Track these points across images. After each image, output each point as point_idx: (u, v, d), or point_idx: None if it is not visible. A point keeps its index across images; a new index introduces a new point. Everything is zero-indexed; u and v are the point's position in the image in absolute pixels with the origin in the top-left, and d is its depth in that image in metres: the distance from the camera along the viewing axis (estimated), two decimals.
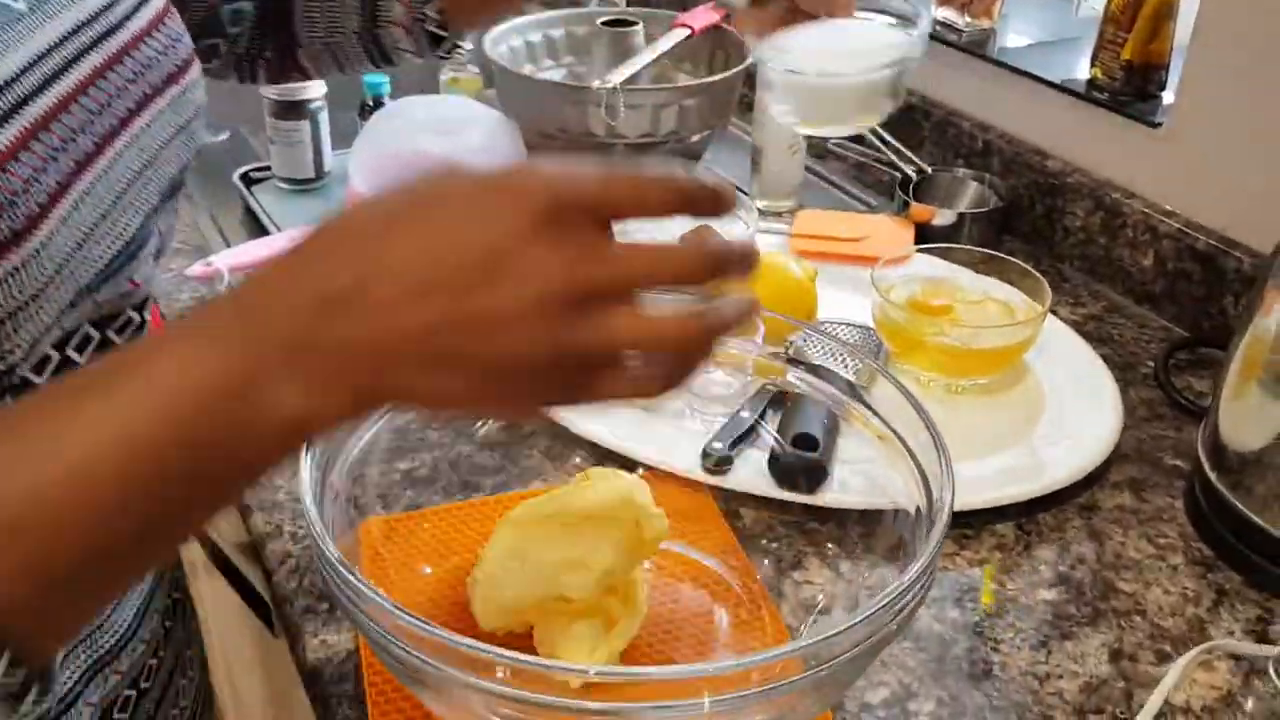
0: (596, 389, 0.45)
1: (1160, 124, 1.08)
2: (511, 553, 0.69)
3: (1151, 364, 1.02)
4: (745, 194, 1.32)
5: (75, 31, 0.53)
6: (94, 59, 0.54)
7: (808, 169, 1.34)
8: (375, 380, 0.43)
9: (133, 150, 0.56)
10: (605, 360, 0.45)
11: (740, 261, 0.48)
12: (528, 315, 0.42)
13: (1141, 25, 1.12)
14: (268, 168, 1.33)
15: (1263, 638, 0.74)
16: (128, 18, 0.57)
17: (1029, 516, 0.83)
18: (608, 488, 0.70)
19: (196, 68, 0.64)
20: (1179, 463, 0.89)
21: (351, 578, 0.55)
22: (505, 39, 1.36)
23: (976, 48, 1.29)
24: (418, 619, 0.53)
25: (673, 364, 0.47)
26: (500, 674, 0.52)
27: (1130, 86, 1.13)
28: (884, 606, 0.55)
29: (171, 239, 0.66)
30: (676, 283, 0.46)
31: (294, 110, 1.26)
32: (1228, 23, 1.00)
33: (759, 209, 1.30)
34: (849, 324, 1.01)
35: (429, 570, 0.74)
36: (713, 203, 0.47)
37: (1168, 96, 1.12)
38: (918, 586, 0.57)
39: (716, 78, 1.26)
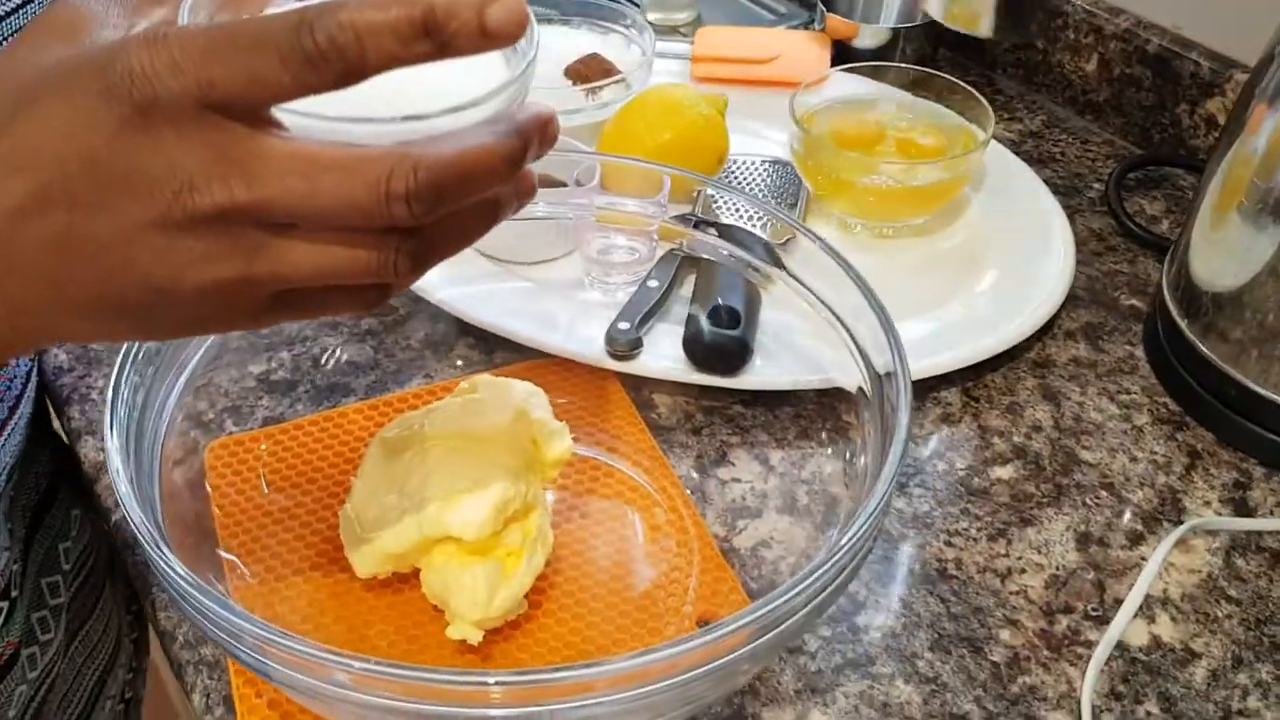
0: (298, 311, 0.38)
1: None
2: (386, 483, 0.58)
3: (1098, 185, 0.92)
4: (636, 4, 1.17)
5: None
6: None
7: None
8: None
9: None
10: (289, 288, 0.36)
11: (533, 149, 0.37)
12: (136, 241, 0.34)
13: None
14: None
15: (1241, 507, 0.66)
16: None
17: (976, 379, 0.74)
18: (497, 400, 0.59)
19: None
20: (1136, 302, 0.80)
21: (175, 574, 0.44)
22: None
23: None
24: (262, 626, 0.42)
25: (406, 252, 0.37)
26: (374, 686, 0.41)
27: None
28: (835, 559, 0.45)
29: None
30: (375, 218, 0.35)
31: None
32: None
33: (651, 23, 1.15)
34: (764, 158, 0.89)
35: (291, 504, 0.63)
36: (478, 33, 0.33)
37: None
38: (874, 515, 0.48)
39: None
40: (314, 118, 0.35)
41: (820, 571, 0.45)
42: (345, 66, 0.32)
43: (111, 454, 0.51)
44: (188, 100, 0.32)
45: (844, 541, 0.46)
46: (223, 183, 0.33)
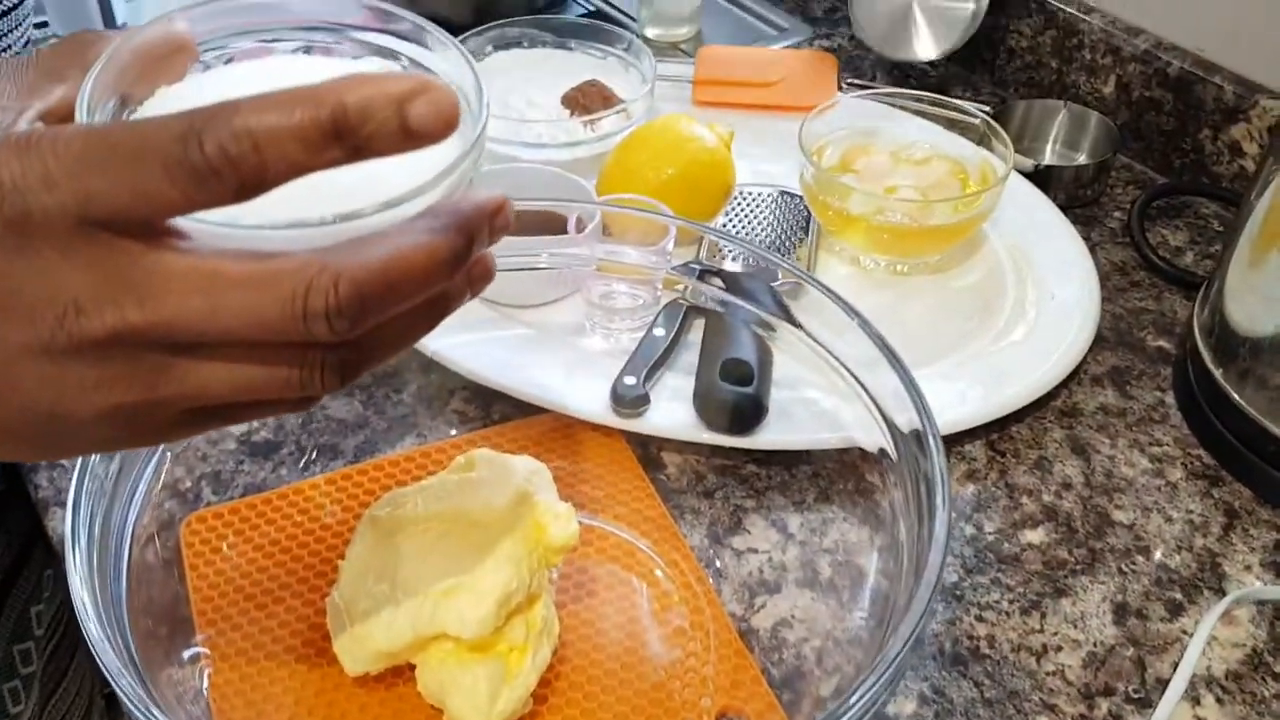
0: (215, 424, 0.34)
1: None
2: (377, 569, 0.53)
3: (1119, 215, 0.88)
4: (632, 20, 1.13)
5: None
6: None
7: None
8: None
9: None
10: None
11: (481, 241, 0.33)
12: (18, 368, 0.30)
13: None
14: (45, 24, 1.09)
15: None
16: None
17: (1001, 431, 0.70)
18: (497, 480, 0.55)
19: None
20: (1164, 343, 0.76)
21: (135, 706, 0.40)
22: None
23: None
24: None
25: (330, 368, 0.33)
26: None
27: None
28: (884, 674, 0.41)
29: None
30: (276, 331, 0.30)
31: None
32: None
33: (650, 37, 1.11)
34: (773, 188, 0.85)
35: (275, 585, 0.59)
36: (399, 134, 0.29)
37: None
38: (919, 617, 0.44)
39: None
40: (211, 229, 0.31)
41: (869, 689, 0.41)
42: (240, 181, 0.28)
43: (71, 549, 0.47)
44: (66, 216, 0.28)
45: (893, 654, 0.42)
46: (113, 305, 0.29)
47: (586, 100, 0.87)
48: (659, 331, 0.71)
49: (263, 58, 0.39)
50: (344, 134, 0.28)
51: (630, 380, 0.67)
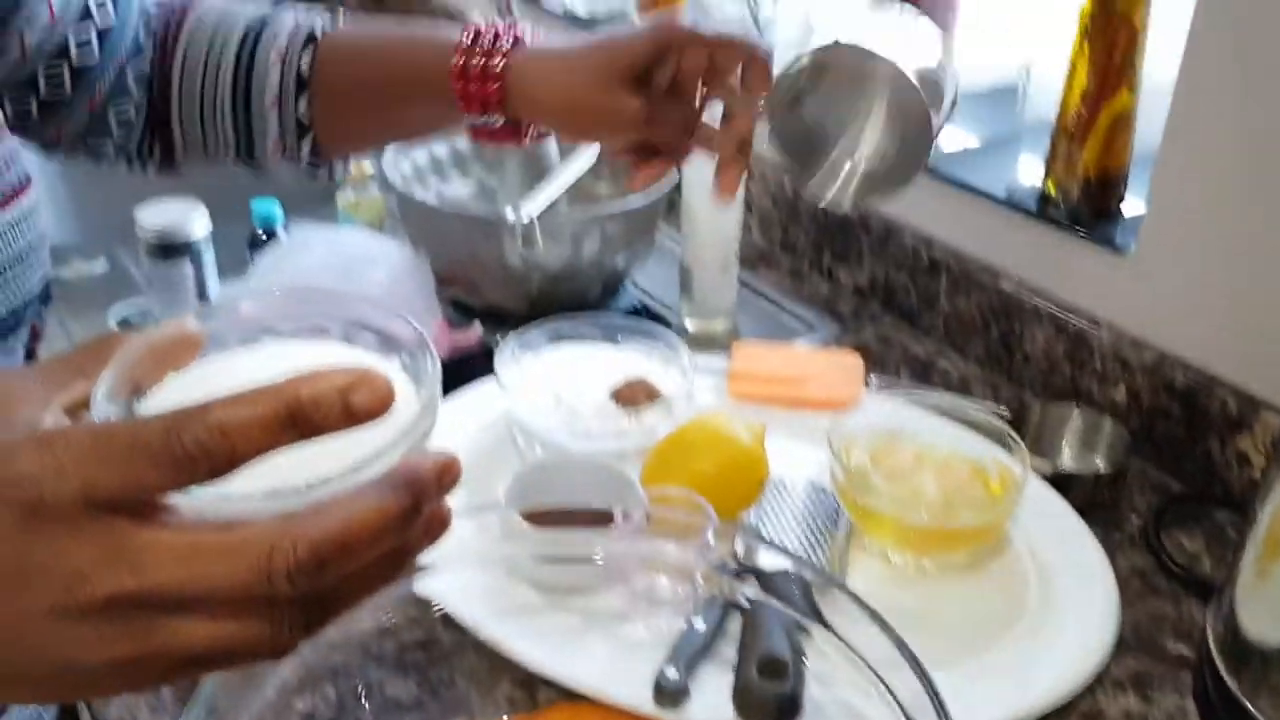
0: (202, 669, 0.38)
1: (1126, 248, 1.00)
2: None
3: (1135, 519, 0.92)
4: (674, 313, 1.22)
5: None
6: None
7: (740, 282, 1.23)
8: None
9: None
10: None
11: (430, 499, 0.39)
12: (36, 627, 0.36)
13: (1097, 136, 1.03)
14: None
15: None
16: None
17: None
18: None
19: (17, 207, 0.68)
20: (1184, 649, 0.80)
21: None
22: (406, 154, 1.24)
23: None
24: None
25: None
26: None
27: (1088, 203, 1.05)
28: None
29: None
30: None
31: (174, 251, 1.12)
32: (1201, 133, 0.91)
33: (689, 329, 1.20)
34: (805, 482, 0.91)
35: None
36: (343, 416, 0.36)
37: (1130, 211, 1.04)
38: None
39: (641, 203, 1.14)
40: (206, 498, 0.37)
41: None
42: (213, 465, 0.35)
43: None
44: (75, 500, 0.35)
45: None
46: (112, 573, 0.35)
47: (632, 395, 0.94)
48: (699, 625, 0.74)
49: (261, 339, 0.47)
50: (299, 421, 0.35)
51: (672, 672, 0.71)
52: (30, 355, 0.76)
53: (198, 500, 0.37)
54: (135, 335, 0.44)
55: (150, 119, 0.87)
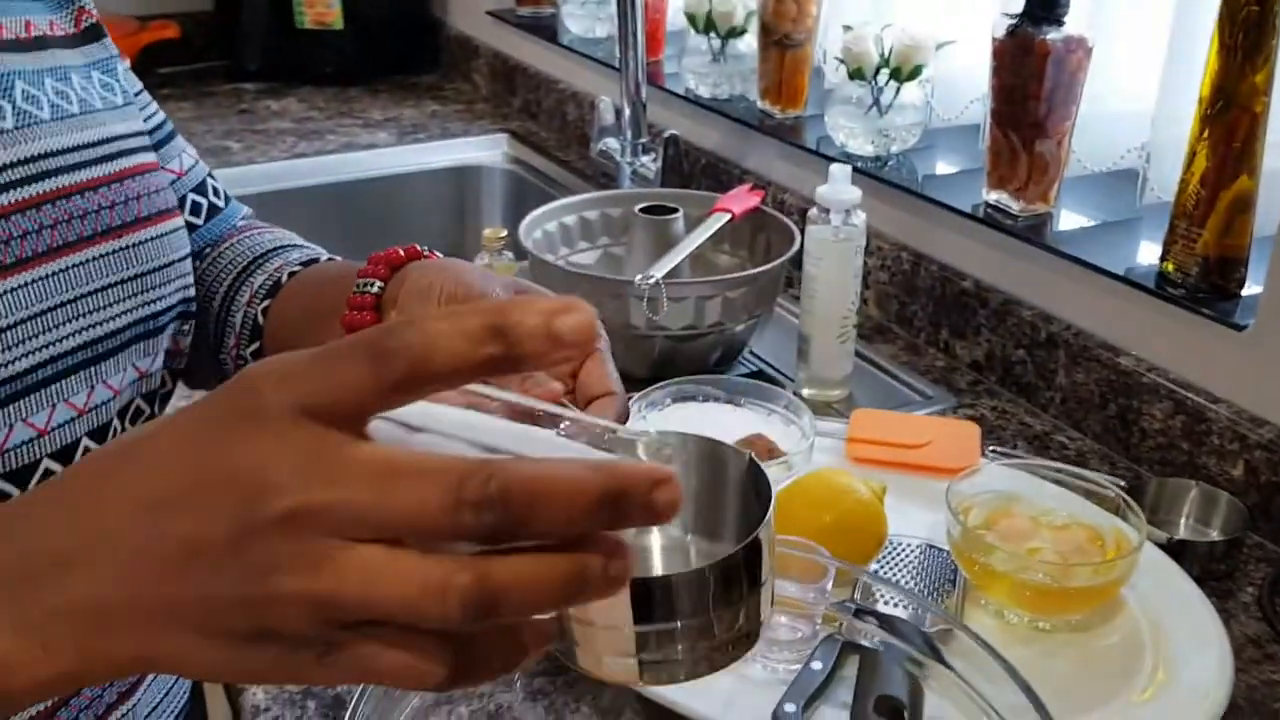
0: (355, 665, 0.37)
1: (1245, 325, 1.01)
2: None
3: (1251, 590, 0.93)
4: (791, 380, 1.25)
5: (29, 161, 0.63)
6: (37, 188, 0.63)
7: (856, 353, 1.26)
8: (105, 643, 0.38)
9: (52, 280, 0.63)
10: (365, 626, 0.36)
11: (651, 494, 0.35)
12: (232, 539, 0.36)
13: (1217, 218, 1.05)
14: None
15: None
16: (84, 165, 0.67)
17: None
18: None
19: (159, 227, 0.71)
20: None
21: None
22: (540, 224, 1.31)
23: (1032, 233, 1.23)
24: None
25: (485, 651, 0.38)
26: None
27: (1207, 283, 1.06)
28: None
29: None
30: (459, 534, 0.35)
31: None
32: None
33: (805, 398, 1.23)
34: (921, 542, 0.93)
35: None
36: (545, 337, 0.36)
37: (1249, 291, 1.05)
38: None
39: (762, 269, 1.19)
40: (434, 434, 0.38)
41: None
42: (412, 364, 0.35)
43: None
44: (292, 408, 0.36)
45: None
46: (303, 483, 0.35)
47: (755, 452, 0.97)
48: (816, 665, 0.77)
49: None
50: (499, 334, 0.35)
51: (790, 708, 0.73)
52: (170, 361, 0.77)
53: (415, 440, 0.38)
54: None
55: None
